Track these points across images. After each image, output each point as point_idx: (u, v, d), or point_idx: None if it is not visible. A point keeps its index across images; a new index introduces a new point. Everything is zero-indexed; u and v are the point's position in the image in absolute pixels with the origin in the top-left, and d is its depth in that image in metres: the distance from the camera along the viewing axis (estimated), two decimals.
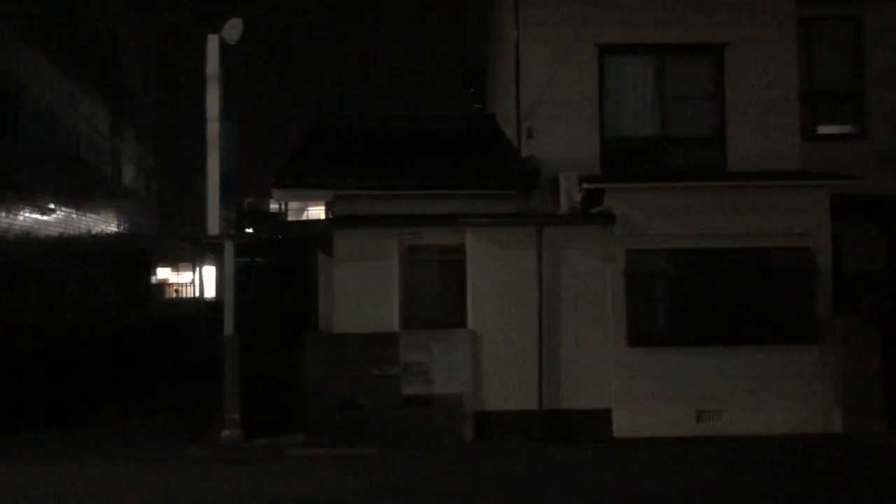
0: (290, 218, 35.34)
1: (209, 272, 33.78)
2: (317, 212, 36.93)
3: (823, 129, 11.38)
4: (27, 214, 14.99)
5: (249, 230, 30.71)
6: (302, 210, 38.68)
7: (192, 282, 34.24)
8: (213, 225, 9.77)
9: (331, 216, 10.00)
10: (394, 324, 9.93)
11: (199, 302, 29.21)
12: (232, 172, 10.25)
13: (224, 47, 9.99)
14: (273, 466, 8.34)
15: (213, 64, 9.83)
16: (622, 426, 9.46)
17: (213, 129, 9.80)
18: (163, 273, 31.98)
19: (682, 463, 8.34)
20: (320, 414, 9.39)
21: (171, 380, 15.34)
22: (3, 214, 13.94)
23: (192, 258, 32.79)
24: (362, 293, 9.90)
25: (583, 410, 9.48)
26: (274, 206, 36.02)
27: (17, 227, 14.63)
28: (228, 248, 10.22)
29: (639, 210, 9.48)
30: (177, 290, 34.40)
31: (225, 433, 9.35)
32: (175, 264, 34.44)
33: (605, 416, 9.49)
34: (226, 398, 9.49)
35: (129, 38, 22.91)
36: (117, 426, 10.52)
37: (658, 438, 9.32)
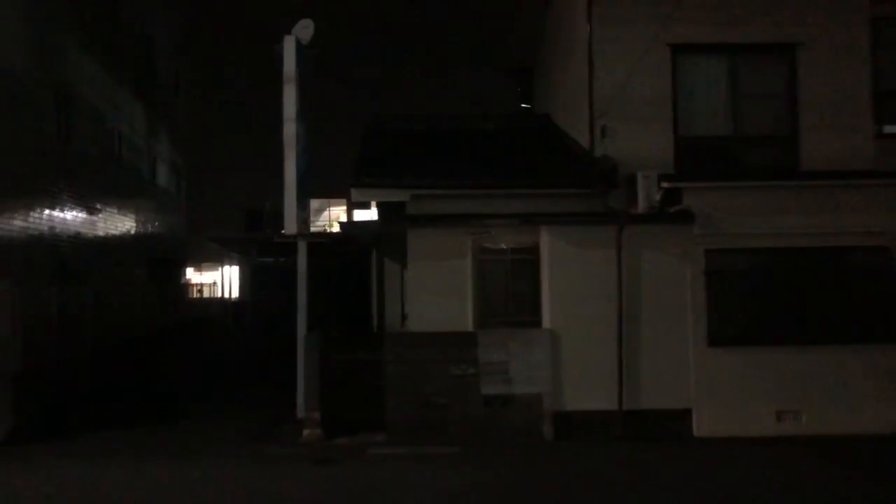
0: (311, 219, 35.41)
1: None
2: (337, 212, 36.99)
3: (888, 129, 11.34)
4: (77, 214, 15.02)
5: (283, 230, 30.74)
6: (321, 211, 38.72)
7: (215, 282, 34.25)
8: (290, 224, 9.79)
9: (406, 215, 9.96)
10: (467, 323, 9.94)
11: (226, 302, 29.28)
12: (306, 173, 10.26)
13: (298, 48, 10.01)
14: (361, 465, 8.34)
15: (289, 64, 9.85)
16: (702, 426, 9.45)
17: (289, 129, 9.82)
18: (187, 273, 32.05)
19: (770, 464, 8.34)
20: (399, 413, 9.38)
21: (221, 380, 15.34)
22: (58, 214, 13.97)
23: (216, 258, 32.84)
24: (435, 292, 9.89)
25: (662, 410, 9.47)
26: None
27: (70, 228, 14.66)
28: (302, 248, 10.23)
29: (718, 209, 9.47)
30: (199, 290, 34.45)
31: (305, 432, 9.35)
32: (198, 264, 34.50)
33: (684, 415, 9.48)
34: (305, 397, 9.50)
35: (161, 38, 22.96)
36: (190, 426, 10.52)
37: (738, 438, 9.30)
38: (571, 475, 7.95)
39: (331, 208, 37.43)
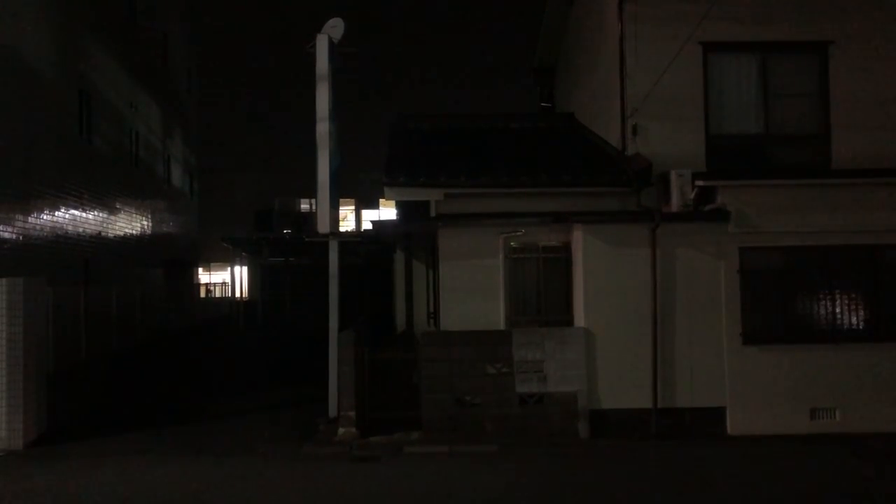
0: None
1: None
2: (344, 211, 36.99)
3: None
4: (98, 213, 15.02)
5: (287, 231, 30.70)
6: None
7: (224, 282, 34.22)
8: (324, 223, 9.77)
9: (438, 214, 9.97)
10: (499, 322, 9.95)
11: (237, 302, 29.26)
12: (337, 171, 10.25)
13: (330, 47, 10.00)
14: (400, 464, 8.34)
15: (322, 63, 9.84)
16: (736, 424, 9.45)
17: (322, 128, 9.81)
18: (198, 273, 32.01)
19: (812, 463, 8.35)
20: (435, 411, 9.38)
21: (241, 379, 15.33)
22: (81, 214, 13.97)
23: (225, 258, 32.82)
24: (467, 291, 9.91)
25: (697, 408, 9.47)
26: (305, 207, 36.10)
27: (93, 227, 14.64)
28: (334, 247, 10.22)
29: (752, 207, 9.47)
30: (209, 290, 34.43)
31: (341, 431, 9.34)
32: (207, 264, 34.50)
33: (718, 413, 9.48)
34: (340, 396, 9.49)
35: (175, 38, 22.96)
36: (221, 426, 10.48)
37: (772, 436, 9.31)
38: (610, 474, 7.94)
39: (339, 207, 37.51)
